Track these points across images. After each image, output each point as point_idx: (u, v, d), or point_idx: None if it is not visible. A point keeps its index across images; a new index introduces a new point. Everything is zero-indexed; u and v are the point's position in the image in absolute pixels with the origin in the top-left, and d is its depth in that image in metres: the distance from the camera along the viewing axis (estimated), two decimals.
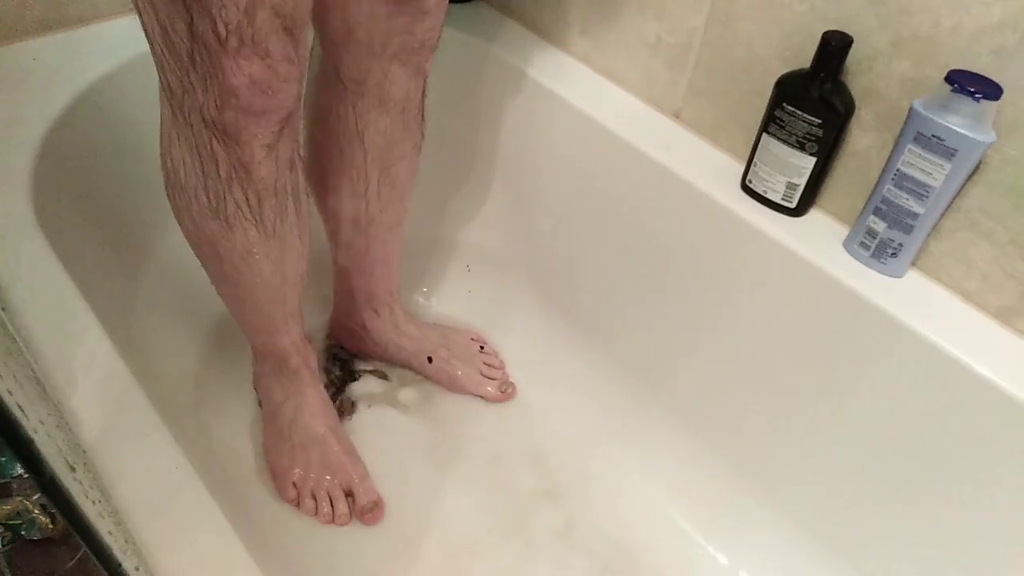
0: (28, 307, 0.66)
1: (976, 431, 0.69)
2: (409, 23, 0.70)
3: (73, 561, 0.68)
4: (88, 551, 0.39)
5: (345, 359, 1.01)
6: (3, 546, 0.67)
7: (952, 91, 0.63)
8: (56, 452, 0.40)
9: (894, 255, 0.73)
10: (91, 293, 0.69)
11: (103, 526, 0.41)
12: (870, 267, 0.74)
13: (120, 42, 0.95)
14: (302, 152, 0.70)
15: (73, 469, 0.42)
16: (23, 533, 0.68)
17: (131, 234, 0.93)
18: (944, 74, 0.64)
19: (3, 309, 0.65)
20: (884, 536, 0.78)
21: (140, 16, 0.55)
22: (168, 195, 0.67)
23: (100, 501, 0.47)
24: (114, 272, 0.88)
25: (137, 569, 0.46)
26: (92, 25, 0.97)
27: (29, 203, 0.75)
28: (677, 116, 0.90)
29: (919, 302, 0.72)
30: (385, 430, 0.96)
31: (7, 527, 0.67)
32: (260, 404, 0.91)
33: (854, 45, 0.69)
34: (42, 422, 0.39)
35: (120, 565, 0.40)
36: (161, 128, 0.63)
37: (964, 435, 0.70)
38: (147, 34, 0.55)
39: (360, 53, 0.71)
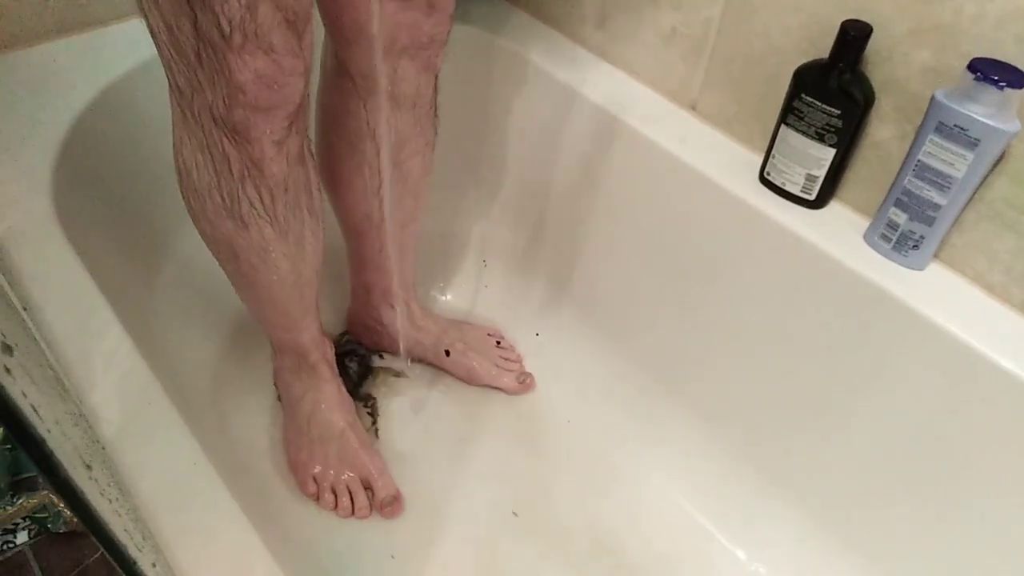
0: (49, 305, 0.67)
1: (1000, 426, 0.67)
2: (418, 18, 0.70)
3: (98, 554, 0.69)
4: (104, 550, 0.40)
5: (362, 354, 1.01)
6: (29, 539, 0.68)
7: (975, 80, 0.61)
8: (72, 451, 0.41)
9: (915, 247, 0.71)
10: (111, 291, 0.70)
11: (119, 524, 0.42)
12: (891, 260, 0.73)
13: (139, 42, 0.95)
14: (314, 149, 0.70)
15: (89, 468, 0.43)
16: (49, 526, 0.69)
17: (150, 232, 0.95)
18: (966, 63, 0.62)
19: (24, 308, 0.67)
20: (902, 532, 0.77)
21: (146, 18, 0.55)
22: (183, 196, 0.68)
23: (117, 499, 0.47)
24: (133, 270, 0.90)
25: (154, 566, 0.46)
26: (111, 26, 0.98)
27: (50, 202, 0.76)
28: (693, 108, 0.89)
29: (941, 295, 0.71)
30: (403, 424, 0.96)
31: (33, 520, 0.69)
32: (280, 399, 0.92)
33: (873, 34, 0.68)
34: (57, 422, 0.40)
35: (135, 563, 0.41)
36: (173, 130, 0.63)
37: (987, 430, 0.68)
38: (154, 36, 0.56)
39: (370, 49, 0.71)
